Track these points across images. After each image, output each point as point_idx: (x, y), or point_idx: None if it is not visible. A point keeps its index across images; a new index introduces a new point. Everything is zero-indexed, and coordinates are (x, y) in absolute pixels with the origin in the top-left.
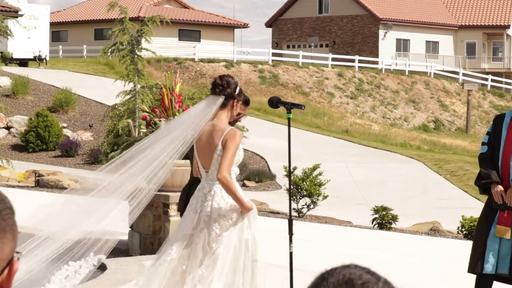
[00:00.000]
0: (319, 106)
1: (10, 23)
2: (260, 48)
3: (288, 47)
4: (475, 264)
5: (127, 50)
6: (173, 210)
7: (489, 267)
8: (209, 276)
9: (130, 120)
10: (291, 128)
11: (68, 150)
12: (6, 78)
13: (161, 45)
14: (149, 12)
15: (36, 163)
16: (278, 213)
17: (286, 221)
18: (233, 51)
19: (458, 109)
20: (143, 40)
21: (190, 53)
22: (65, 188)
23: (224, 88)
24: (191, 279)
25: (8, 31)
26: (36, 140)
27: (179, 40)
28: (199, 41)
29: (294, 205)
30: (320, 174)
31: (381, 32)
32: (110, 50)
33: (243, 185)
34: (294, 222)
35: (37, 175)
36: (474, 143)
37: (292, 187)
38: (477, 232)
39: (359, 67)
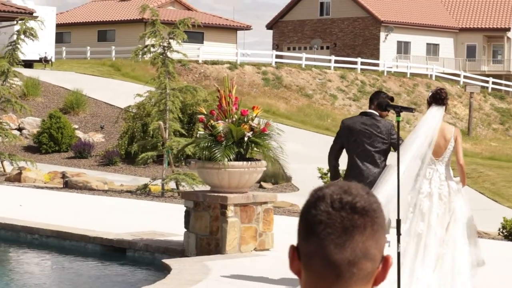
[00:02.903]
0: (322, 108)
1: (35, 24)
2: (255, 50)
3: (288, 49)
4: None
5: (158, 52)
6: (230, 211)
7: None
8: (455, 222)
9: (161, 122)
10: (302, 131)
11: (81, 151)
12: (16, 79)
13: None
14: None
15: (50, 164)
16: None
17: None
18: (237, 53)
19: (460, 111)
20: (174, 42)
21: (194, 54)
22: (94, 189)
23: (447, 99)
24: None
25: (33, 33)
26: (49, 142)
27: (183, 41)
28: (202, 43)
29: None
30: None
31: (382, 35)
32: (141, 52)
33: (260, 187)
34: None
35: (63, 176)
36: (476, 145)
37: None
38: None
39: (361, 69)
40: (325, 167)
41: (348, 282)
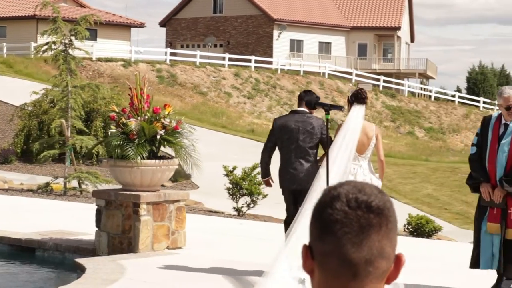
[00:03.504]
0: (217, 106)
1: None
2: (148, 48)
3: (182, 46)
4: (473, 260)
5: (59, 49)
6: (143, 209)
7: (484, 263)
8: None
9: (63, 120)
10: (200, 129)
11: None
12: None
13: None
14: (45, 11)
15: None
16: (216, 212)
17: (231, 220)
18: (131, 50)
19: None
20: (75, 39)
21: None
22: None
23: (367, 98)
24: None
25: None
26: None
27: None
28: (96, 40)
29: (234, 204)
30: (259, 173)
31: (275, 33)
32: (43, 49)
33: (161, 185)
34: (232, 221)
35: None
36: None
37: (232, 186)
38: (474, 230)
39: (255, 67)
40: (231, 164)
41: (364, 281)
